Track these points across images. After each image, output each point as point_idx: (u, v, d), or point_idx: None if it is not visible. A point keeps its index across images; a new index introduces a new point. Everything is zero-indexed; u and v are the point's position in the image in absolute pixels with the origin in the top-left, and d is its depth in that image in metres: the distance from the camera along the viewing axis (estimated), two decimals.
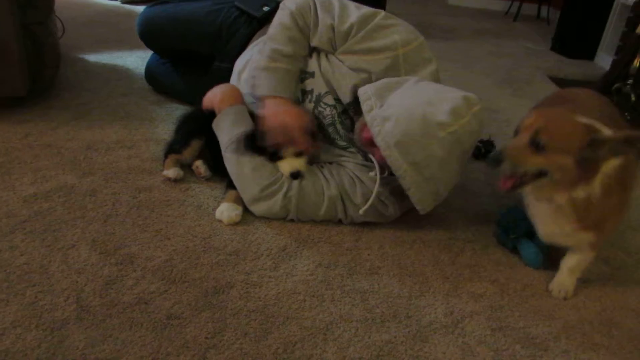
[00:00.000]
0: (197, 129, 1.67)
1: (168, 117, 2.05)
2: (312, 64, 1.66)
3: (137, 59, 2.67)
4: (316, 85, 1.64)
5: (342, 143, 1.65)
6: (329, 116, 1.64)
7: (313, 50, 1.67)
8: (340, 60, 1.62)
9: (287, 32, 1.61)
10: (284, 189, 1.48)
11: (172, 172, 1.63)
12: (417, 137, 1.35)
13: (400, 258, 1.44)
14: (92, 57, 2.63)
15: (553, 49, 4.31)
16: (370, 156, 1.55)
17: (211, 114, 1.64)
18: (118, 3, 4.00)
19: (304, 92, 1.67)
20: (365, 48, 1.56)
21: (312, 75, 1.66)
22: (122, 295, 1.17)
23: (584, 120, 1.19)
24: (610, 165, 1.19)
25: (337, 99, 1.63)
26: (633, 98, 2.75)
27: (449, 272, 1.41)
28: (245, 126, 1.56)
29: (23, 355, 1.00)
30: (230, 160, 1.54)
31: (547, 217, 1.31)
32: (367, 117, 1.43)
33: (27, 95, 1.95)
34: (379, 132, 1.38)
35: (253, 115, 1.60)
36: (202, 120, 1.66)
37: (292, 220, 1.52)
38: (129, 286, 1.20)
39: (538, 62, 3.82)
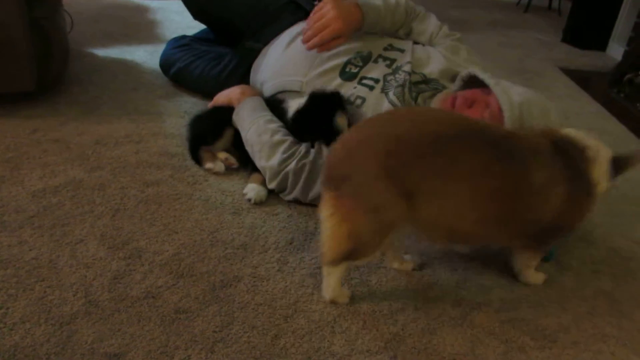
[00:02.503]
0: (229, 118, 1.68)
1: (176, 111, 2.05)
2: (405, 44, 1.77)
3: (145, 53, 2.67)
4: (401, 57, 1.71)
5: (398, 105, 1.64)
6: (401, 79, 1.65)
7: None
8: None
9: (394, 3, 1.80)
10: (299, 156, 1.52)
11: (218, 165, 1.65)
12: (539, 108, 1.43)
13: (408, 250, 1.43)
14: (101, 52, 2.64)
15: (564, 40, 4.25)
16: None
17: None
18: None
19: (381, 57, 1.73)
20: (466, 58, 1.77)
21: (401, 50, 1.74)
22: (130, 289, 1.18)
23: None
24: None
25: (416, 72, 1.67)
26: None
27: (457, 264, 1.40)
28: (265, 112, 1.63)
29: (32, 350, 1.01)
30: (251, 140, 1.58)
31: None
32: (490, 81, 1.49)
33: (36, 91, 1.96)
34: (505, 91, 1.44)
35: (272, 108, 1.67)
36: (231, 110, 1.70)
37: (301, 210, 1.52)
38: (137, 280, 1.20)
39: (549, 54, 3.78)
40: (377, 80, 1.66)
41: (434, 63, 1.71)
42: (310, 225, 1.48)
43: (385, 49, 1.75)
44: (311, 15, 1.73)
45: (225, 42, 2.17)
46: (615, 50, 3.93)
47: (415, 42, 1.82)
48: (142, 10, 3.56)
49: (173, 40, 2.33)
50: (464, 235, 1.22)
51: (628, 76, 3.00)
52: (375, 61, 1.71)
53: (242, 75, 2.00)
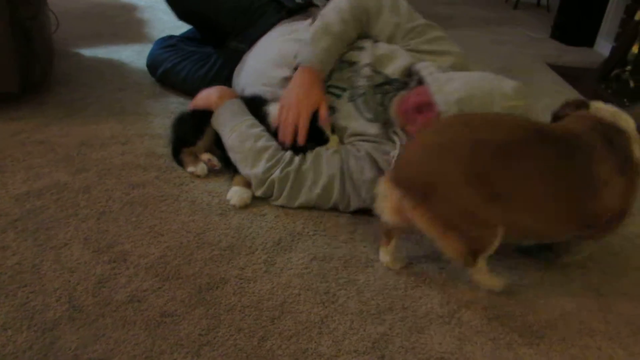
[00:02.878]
0: (209, 117, 1.67)
1: (163, 111, 2.04)
2: (367, 41, 1.71)
3: (132, 53, 2.65)
4: (361, 57, 1.68)
5: (368, 115, 1.62)
6: (362, 87, 1.64)
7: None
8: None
9: (341, 14, 1.68)
10: (283, 164, 1.51)
11: (200, 169, 1.64)
12: (480, 101, 1.38)
13: (396, 250, 1.42)
14: (87, 52, 2.61)
15: (553, 36, 4.27)
16: (394, 134, 1.54)
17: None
18: None
19: (344, 62, 1.70)
20: (429, 50, 1.69)
21: (360, 49, 1.70)
22: (115, 293, 1.16)
23: None
24: None
25: (378, 72, 1.64)
26: (632, 84, 2.73)
27: (445, 262, 1.40)
28: (245, 116, 1.61)
29: (14, 357, 0.99)
30: (234, 147, 1.56)
31: None
32: (428, 78, 1.47)
33: (20, 92, 1.94)
34: (440, 89, 1.42)
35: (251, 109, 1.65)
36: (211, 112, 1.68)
37: (288, 212, 1.51)
38: (122, 284, 1.19)
39: (538, 50, 3.79)
40: (343, 89, 1.66)
41: (397, 60, 1.66)
42: (298, 225, 1.47)
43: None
44: (280, 127, 1.61)
45: (211, 42, 2.16)
46: (603, 47, 3.95)
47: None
48: (130, 9, 3.53)
49: (160, 40, 2.32)
50: (537, 232, 1.28)
51: (615, 72, 3.02)
52: (340, 68, 1.69)
53: (227, 77, 2.00)
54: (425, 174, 1.15)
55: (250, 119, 1.60)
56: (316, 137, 1.57)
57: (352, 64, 1.69)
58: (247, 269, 1.29)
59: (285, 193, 1.51)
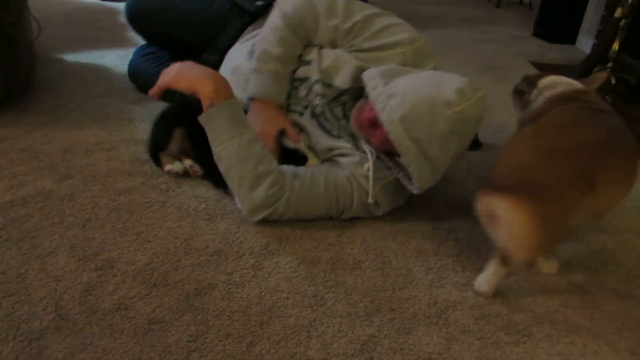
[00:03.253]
0: (176, 119, 1.66)
1: (149, 116, 2.02)
2: (312, 54, 1.67)
3: (116, 58, 2.64)
4: (311, 73, 1.65)
5: (333, 132, 1.62)
6: (319, 105, 1.63)
7: None
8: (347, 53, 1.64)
9: (278, 33, 1.63)
10: (287, 194, 1.43)
11: (176, 165, 1.64)
12: (424, 114, 1.36)
13: (383, 251, 1.43)
14: (70, 57, 2.60)
15: (535, 34, 4.31)
16: (363, 145, 1.54)
17: (189, 106, 1.53)
18: (96, 0, 3.94)
19: (296, 80, 1.68)
20: (374, 46, 1.61)
21: (308, 63, 1.67)
22: (102, 301, 1.16)
23: None
24: None
25: (329, 85, 1.63)
26: (613, 81, 2.76)
27: (432, 262, 1.41)
28: (245, 127, 1.44)
29: None
30: (229, 161, 1.42)
31: None
32: (372, 94, 1.43)
33: (2, 98, 1.92)
34: (384, 107, 1.39)
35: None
36: (179, 111, 1.67)
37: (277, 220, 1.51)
38: (109, 292, 1.19)
39: (521, 48, 3.83)
40: (304, 106, 1.66)
41: (342, 69, 1.62)
42: (285, 229, 1.47)
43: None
44: None
45: (186, 58, 2.12)
46: (585, 44, 4.00)
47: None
48: (113, 13, 3.51)
49: (138, 49, 2.30)
50: (611, 208, 1.41)
51: (597, 69, 3.05)
52: (295, 87, 1.68)
53: None
54: (537, 175, 1.19)
55: (250, 132, 1.44)
56: (294, 159, 1.56)
57: (304, 80, 1.67)
58: (235, 274, 1.29)
59: (288, 216, 1.47)
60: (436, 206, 1.68)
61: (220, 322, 1.14)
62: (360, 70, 1.57)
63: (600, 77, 1.49)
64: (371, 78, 1.47)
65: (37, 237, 1.33)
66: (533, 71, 3.24)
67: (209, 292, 1.22)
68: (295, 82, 1.68)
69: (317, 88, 1.63)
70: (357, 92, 1.60)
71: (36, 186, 1.53)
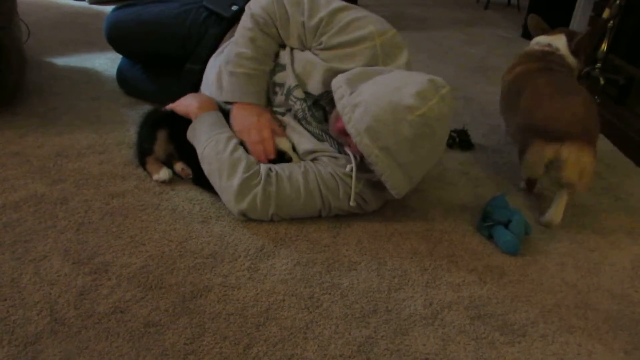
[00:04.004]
0: (158, 122, 1.67)
1: (140, 119, 2.02)
2: (285, 57, 1.66)
3: (107, 61, 2.62)
4: (287, 78, 1.64)
5: (316, 136, 1.63)
6: (300, 110, 1.63)
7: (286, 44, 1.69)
8: (314, 54, 1.62)
9: (249, 34, 1.63)
10: (262, 183, 1.46)
11: (162, 174, 1.63)
12: (386, 122, 1.35)
13: (378, 252, 1.44)
14: (60, 61, 2.58)
15: (524, 35, 4.34)
16: (346, 149, 1.54)
17: (173, 113, 1.68)
18: (85, 4, 3.92)
19: (276, 85, 1.68)
20: (342, 42, 1.57)
21: (283, 68, 1.66)
22: (97, 305, 1.15)
23: None
24: None
25: (307, 92, 1.62)
26: (602, 82, 2.79)
27: (427, 263, 1.42)
28: (223, 128, 1.57)
29: None
30: (209, 157, 1.52)
31: None
32: (339, 105, 1.42)
33: None
34: (350, 119, 1.39)
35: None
36: (161, 115, 1.69)
37: (271, 220, 1.51)
38: (104, 295, 1.18)
39: (510, 49, 3.85)
40: (287, 110, 1.67)
41: (312, 75, 1.61)
42: (280, 231, 1.47)
43: (272, 71, 1.69)
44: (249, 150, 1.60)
45: (172, 70, 2.09)
46: None
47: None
48: (102, 16, 3.45)
49: None
50: None
51: (585, 70, 3.07)
52: (274, 92, 1.69)
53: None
54: (584, 123, 1.59)
55: (227, 132, 1.56)
56: (279, 159, 1.58)
57: (281, 85, 1.67)
58: (230, 276, 1.29)
59: (270, 211, 1.48)
60: (430, 207, 1.69)
61: (217, 324, 1.14)
62: (330, 72, 1.56)
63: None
64: (338, 87, 1.45)
65: (31, 241, 1.32)
66: None
67: (204, 294, 1.22)
68: (275, 87, 1.68)
69: (297, 93, 1.63)
70: (331, 95, 1.56)
71: (28, 190, 1.52)
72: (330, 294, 1.27)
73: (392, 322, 1.20)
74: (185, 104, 1.68)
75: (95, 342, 1.06)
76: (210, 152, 1.51)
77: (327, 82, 1.56)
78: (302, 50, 1.65)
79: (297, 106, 1.63)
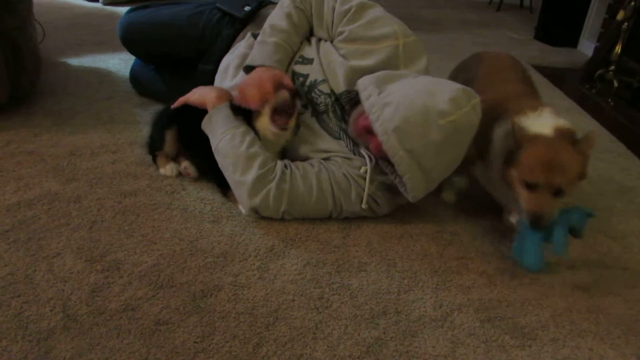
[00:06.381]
0: (167, 121, 1.69)
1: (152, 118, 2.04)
2: (312, 52, 1.69)
3: (119, 62, 2.65)
4: (313, 71, 1.66)
5: (334, 134, 1.63)
6: (323, 104, 1.64)
7: (313, 38, 1.73)
8: (337, 48, 1.65)
9: (285, 10, 1.69)
10: (277, 180, 1.47)
11: (168, 169, 1.67)
12: (417, 124, 1.35)
13: (388, 253, 1.44)
14: (74, 61, 2.61)
15: (537, 37, 4.33)
16: (362, 150, 1.55)
17: (183, 108, 1.67)
18: (99, 5, 3.96)
19: (296, 75, 1.69)
20: (365, 36, 1.60)
21: (310, 61, 1.68)
22: (109, 302, 1.16)
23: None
24: None
25: (332, 89, 1.64)
26: (615, 84, 2.77)
27: (437, 265, 1.42)
28: (241, 123, 1.56)
29: None
30: (224, 150, 1.51)
31: None
32: (366, 103, 1.43)
33: (8, 102, 1.93)
34: (378, 117, 1.39)
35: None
36: (170, 114, 1.70)
37: (282, 219, 1.52)
38: (116, 293, 1.19)
39: (522, 51, 3.83)
40: (305, 104, 1.67)
41: (337, 72, 1.62)
42: (290, 231, 1.48)
43: (297, 62, 1.71)
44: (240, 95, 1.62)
45: (185, 71, 2.13)
46: (587, 47, 4.01)
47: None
48: (116, 18, 3.51)
49: None
50: None
51: (599, 72, 3.05)
52: (292, 80, 1.68)
53: None
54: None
55: (244, 126, 1.55)
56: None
57: (305, 77, 1.68)
58: (240, 275, 1.29)
59: (282, 208, 1.48)
60: (440, 209, 1.69)
61: (227, 323, 1.15)
62: (351, 71, 1.58)
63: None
64: (365, 87, 1.46)
65: (44, 238, 1.34)
66: (534, 75, 3.25)
67: (215, 293, 1.23)
68: (294, 75, 1.69)
69: (323, 87, 1.64)
70: (352, 95, 1.60)
71: (42, 188, 1.54)
72: (339, 294, 1.27)
73: (402, 324, 1.20)
74: (201, 93, 1.66)
75: (106, 338, 1.07)
76: (226, 145, 1.51)
77: (347, 82, 1.59)
78: (326, 41, 1.70)
79: (321, 99, 1.64)
